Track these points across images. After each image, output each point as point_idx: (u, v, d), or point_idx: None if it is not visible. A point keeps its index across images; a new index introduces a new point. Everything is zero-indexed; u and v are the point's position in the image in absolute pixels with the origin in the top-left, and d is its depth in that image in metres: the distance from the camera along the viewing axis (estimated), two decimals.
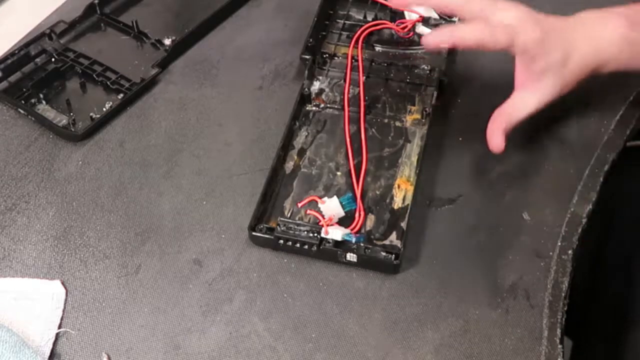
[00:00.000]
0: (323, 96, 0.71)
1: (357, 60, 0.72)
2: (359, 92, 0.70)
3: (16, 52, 0.71)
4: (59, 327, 0.56)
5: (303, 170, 0.65)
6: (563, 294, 0.59)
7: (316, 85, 0.72)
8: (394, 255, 0.57)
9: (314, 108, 0.70)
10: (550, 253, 0.61)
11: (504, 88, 0.73)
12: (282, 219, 0.59)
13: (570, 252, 0.61)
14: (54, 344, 0.55)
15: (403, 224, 0.61)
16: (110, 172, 0.66)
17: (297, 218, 0.62)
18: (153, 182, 0.65)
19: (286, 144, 0.66)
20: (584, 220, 0.63)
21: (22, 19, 0.77)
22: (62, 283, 0.58)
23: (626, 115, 0.71)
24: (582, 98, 0.73)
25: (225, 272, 0.59)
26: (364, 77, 0.71)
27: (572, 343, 0.80)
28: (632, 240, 0.76)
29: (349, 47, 0.73)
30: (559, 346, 0.56)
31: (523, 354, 0.55)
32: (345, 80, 0.71)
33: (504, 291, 0.59)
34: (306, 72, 0.71)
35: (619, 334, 0.72)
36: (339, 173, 0.65)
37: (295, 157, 0.66)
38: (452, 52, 0.73)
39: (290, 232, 0.59)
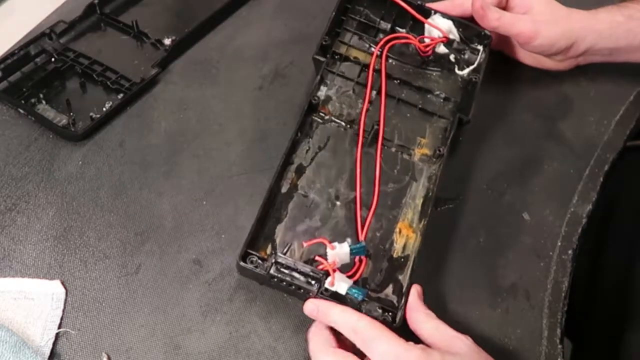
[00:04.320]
0: (329, 106, 0.65)
1: (370, 69, 0.66)
2: (369, 111, 0.63)
3: (16, 52, 0.71)
4: (59, 327, 0.55)
5: (300, 192, 0.60)
6: (563, 294, 0.59)
7: (323, 91, 0.65)
8: (390, 315, 0.53)
9: (318, 119, 0.64)
10: (550, 253, 0.61)
11: (503, 89, 0.74)
12: (279, 255, 0.54)
13: (570, 252, 0.61)
14: (54, 344, 0.55)
15: (401, 278, 0.56)
16: (110, 172, 0.65)
17: (289, 249, 0.57)
18: (153, 182, 0.65)
19: (287, 160, 0.60)
20: (584, 220, 0.63)
21: (22, 19, 0.77)
22: (62, 283, 0.58)
23: (626, 115, 0.71)
24: (582, 98, 0.73)
25: (225, 272, 0.59)
26: (374, 93, 0.65)
27: (572, 344, 0.80)
28: (632, 240, 0.76)
29: (371, 57, 0.66)
30: (559, 346, 0.56)
31: (523, 354, 0.55)
32: (363, 99, 0.64)
33: (504, 291, 0.59)
34: (318, 76, 0.64)
35: (619, 334, 0.72)
36: (338, 203, 0.59)
37: (294, 174, 0.61)
38: (473, 86, 0.67)
39: (287, 272, 0.53)
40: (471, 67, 0.68)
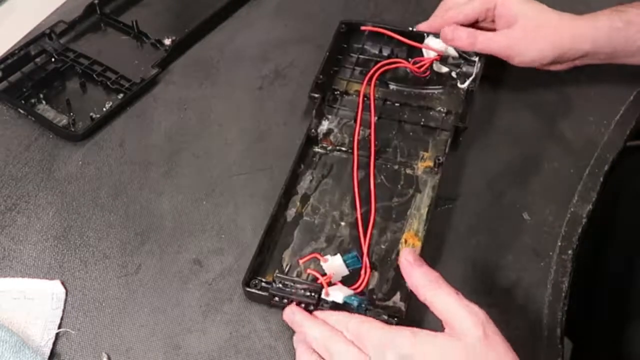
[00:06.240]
0: (331, 137, 0.66)
1: (369, 99, 0.67)
2: (369, 135, 0.65)
3: (16, 52, 0.71)
4: (59, 327, 0.55)
5: (305, 218, 0.61)
6: (563, 294, 0.59)
7: (325, 125, 0.67)
8: (397, 320, 0.53)
9: (320, 150, 0.66)
10: (550, 253, 0.61)
11: (503, 89, 0.74)
12: (278, 274, 0.55)
13: (570, 252, 0.61)
14: (54, 344, 0.55)
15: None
16: (110, 172, 0.66)
17: (296, 271, 0.58)
18: (153, 182, 0.65)
19: (289, 190, 0.62)
20: (584, 220, 0.63)
21: (22, 19, 0.77)
22: (62, 283, 0.58)
23: (626, 115, 0.71)
24: (582, 98, 0.73)
25: (225, 272, 0.59)
26: (376, 118, 0.66)
27: (572, 344, 0.80)
28: (632, 240, 0.76)
29: (361, 85, 0.68)
30: (559, 346, 0.56)
31: (523, 354, 0.55)
32: (355, 121, 0.66)
33: (504, 291, 0.59)
34: (314, 111, 0.66)
35: (619, 334, 0.72)
36: (343, 223, 0.61)
37: (298, 203, 0.62)
38: (470, 95, 0.68)
39: (287, 289, 0.54)
40: (470, 79, 0.69)
